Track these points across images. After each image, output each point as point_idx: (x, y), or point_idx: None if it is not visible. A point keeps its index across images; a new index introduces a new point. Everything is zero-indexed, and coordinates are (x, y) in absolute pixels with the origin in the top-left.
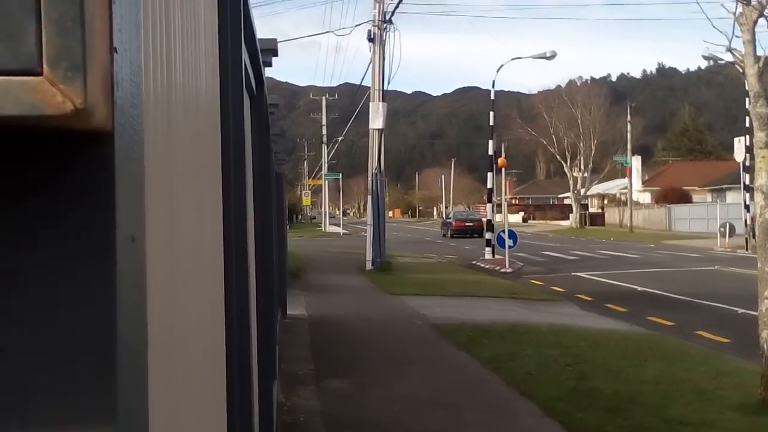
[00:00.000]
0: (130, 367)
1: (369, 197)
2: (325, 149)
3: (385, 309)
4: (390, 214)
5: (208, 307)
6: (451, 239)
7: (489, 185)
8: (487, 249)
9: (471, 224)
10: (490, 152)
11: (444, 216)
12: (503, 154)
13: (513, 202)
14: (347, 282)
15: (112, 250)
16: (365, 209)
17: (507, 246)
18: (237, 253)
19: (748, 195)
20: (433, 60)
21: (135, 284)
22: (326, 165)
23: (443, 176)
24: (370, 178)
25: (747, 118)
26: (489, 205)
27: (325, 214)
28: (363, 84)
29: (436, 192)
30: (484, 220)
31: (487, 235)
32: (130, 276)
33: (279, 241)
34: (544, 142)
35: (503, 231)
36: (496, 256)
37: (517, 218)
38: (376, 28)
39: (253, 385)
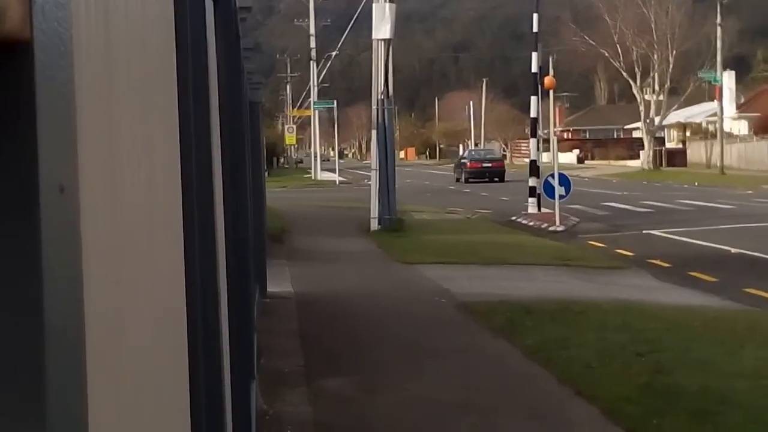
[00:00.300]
0: (62, 361)
1: (373, 133)
2: (314, 68)
3: (397, 282)
4: (401, 154)
5: (163, 282)
6: (467, 184)
7: (533, 114)
8: (531, 200)
9: (490, 165)
10: (534, 69)
11: (459, 156)
12: (551, 72)
13: (565, 136)
14: (346, 247)
15: (33, 206)
16: (368, 149)
17: (557, 196)
18: (200, 209)
19: None
20: None
21: (66, 252)
22: (316, 90)
23: (471, 103)
24: (374, 107)
25: None
26: (533, 141)
27: (315, 157)
28: None
29: (461, 124)
30: (527, 160)
31: (531, 182)
32: (59, 239)
33: (255, 193)
34: (606, 54)
35: (551, 175)
36: (543, 210)
37: (570, 158)
38: None
39: (225, 387)
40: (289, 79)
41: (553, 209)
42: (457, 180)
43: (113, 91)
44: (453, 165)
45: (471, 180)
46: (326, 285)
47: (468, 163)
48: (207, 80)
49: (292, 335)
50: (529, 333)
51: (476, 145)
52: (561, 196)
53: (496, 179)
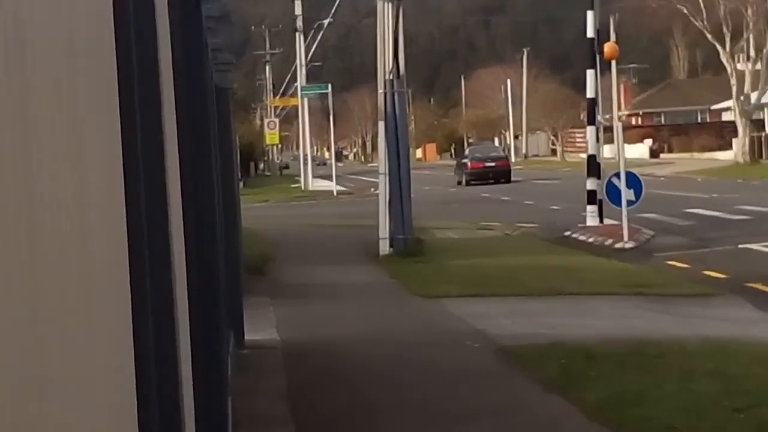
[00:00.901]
0: None
1: (380, 125)
2: (300, 42)
3: (415, 323)
4: (418, 153)
5: (101, 333)
6: (468, 186)
7: (589, 93)
8: (590, 209)
9: (493, 165)
10: (590, 34)
11: (460, 155)
12: (612, 37)
13: (633, 122)
14: (348, 278)
15: None
16: (375, 148)
17: (624, 202)
18: (150, 232)
19: None
20: None
21: None
22: (304, 70)
23: (509, 81)
24: (380, 91)
25: None
26: (590, 130)
27: (305, 160)
28: None
29: (496, 110)
30: (584, 155)
31: (589, 184)
32: None
33: (226, 210)
34: (685, 11)
35: (616, 175)
36: (606, 222)
37: (640, 151)
38: None
39: None
40: (268, 58)
41: (620, 220)
42: (459, 183)
43: (23, 72)
44: (454, 165)
45: (473, 182)
46: (323, 329)
47: (469, 164)
48: (156, 61)
49: (278, 398)
50: (592, 386)
51: (516, 137)
52: (630, 203)
53: (502, 180)
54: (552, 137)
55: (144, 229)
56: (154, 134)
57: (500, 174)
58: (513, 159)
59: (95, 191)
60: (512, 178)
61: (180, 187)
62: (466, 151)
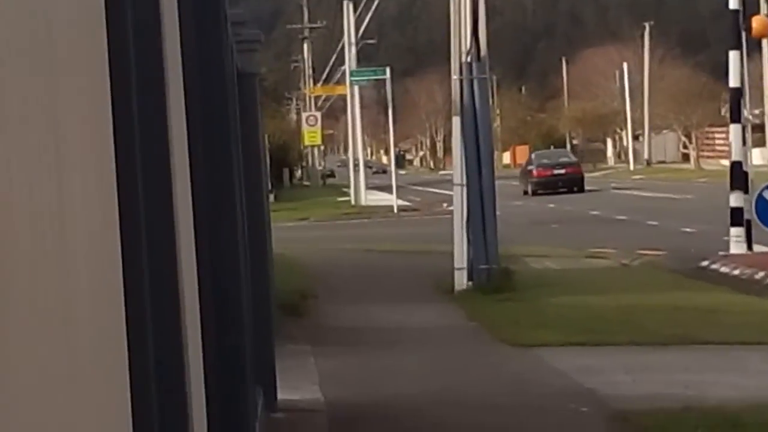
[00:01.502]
0: None
1: (454, 121)
2: (350, 12)
3: (504, 380)
4: (505, 158)
5: (88, 400)
6: (534, 197)
7: (733, 82)
8: (735, 232)
9: (563, 172)
10: (733, 4)
11: (526, 161)
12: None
13: None
14: (413, 320)
15: None
16: (447, 152)
17: None
18: (153, 260)
19: None
20: None
21: None
22: (354, 50)
23: (625, 66)
24: (454, 77)
25: None
26: (735, 129)
27: (356, 166)
28: None
29: (609, 102)
30: (727, 162)
31: (734, 200)
32: None
33: (252, 231)
34: None
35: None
36: (757, 248)
37: None
38: None
39: None
40: (307, 34)
41: None
42: (525, 193)
43: None
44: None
45: (540, 192)
46: (380, 388)
47: (535, 171)
48: (159, 38)
49: None
50: None
51: (636, 138)
52: None
53: (575, 189)
54: (683, 138)
55: (143, 260)
56: (157, 135)
57: (571, 182)
58: (632, 166)
59: (79, 194)
60: (628, 191)
61: (191, 202)
62: (532, 156)
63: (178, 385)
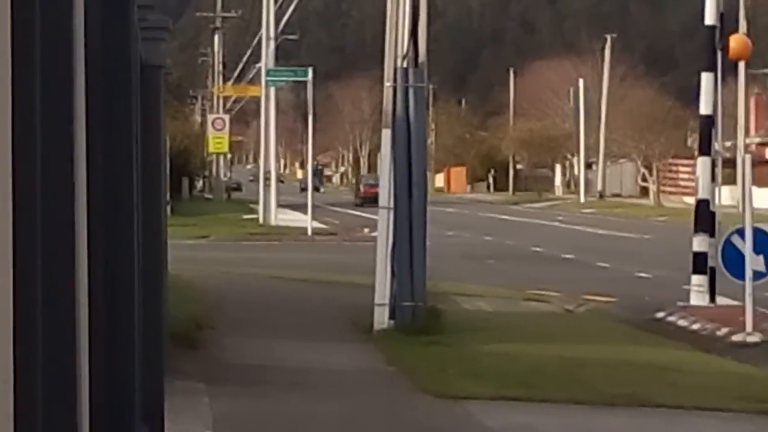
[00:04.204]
0: None
1: (384, 134)
2: (270, 3)
3: None
4: (438, 181)
5: None
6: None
7: (704, 108)
8: (697, 280)
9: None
10: (710, 20)
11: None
12: (743, 27)
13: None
14: (326, 360)
15: None
16: (373, 168)
17: (749, 273)
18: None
19: None
20: None
21: None
22: (272, 47)
23: (581, 81)
24: (387, 84)
25: None
26: (702, 162)
27: (267, 179)
28: None
29: (560, 123)
30: (691, 200)
31: (697, 244)
32: None
33: (147, 247)
34: None
35: (739, 232)
36: (720, 300)
37: None
38: None
39: None
40: (219, 24)
41: (741, 300)
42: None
43: None
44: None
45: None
46: None
47: (363, 189)
48: (69, 23)
49: None
50: None
51: (589, 166)
52: (758, 274)
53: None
54: (643, 169)
55: (37, 258)
56: (54, 133)
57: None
58: (583, 197)
59: None
60: (577, 227)
61: (85, 208)
62: (363, 177)
63: (66, 414)
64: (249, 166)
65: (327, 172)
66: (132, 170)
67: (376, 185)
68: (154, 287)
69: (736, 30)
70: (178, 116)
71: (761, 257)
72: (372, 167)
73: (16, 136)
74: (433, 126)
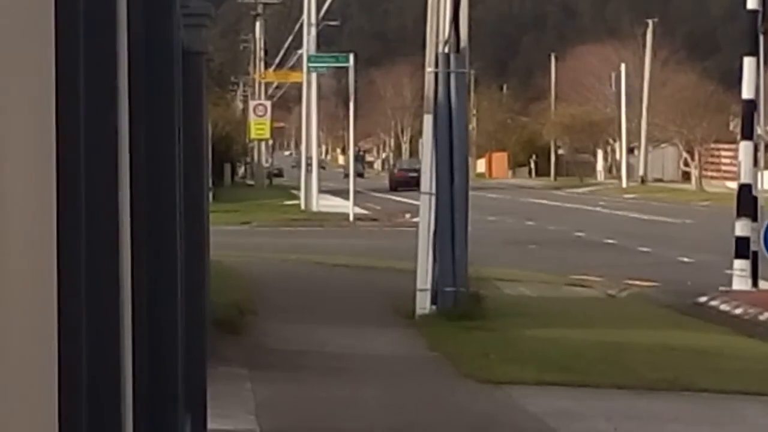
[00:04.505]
0: None
1: (426, 120)
2: None
3: (468, 422)
4: (480, 166)
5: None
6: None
7: (746, 93)
8: (740, 265)
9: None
10: (752, 4)
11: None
12: None
13: None
14: (367, 346)
15: None
16: (415, 154)
17: None
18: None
19: None
20: None
21: None
22: (314, 32)
23: (623, 66)
24: (428, 70)
25: None
26: (744, 147)
27: (308, 165)
28: None
29: (602, 108)
30: (733, 185)
31: (739, 228)
32: None
33: (189, 234)
34: None
35: None
36: (763, 285)
37: None
38: None
39: None
40: (260, 10)
41: None
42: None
43: None
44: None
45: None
46: (324, 421)
47: (397, 172)
48: (113, 10)
49: None
50: None
51: (631, 151)
52: None
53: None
54: (685, 154)
55: (81, 256)
56: (98, 120)
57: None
58: (625, 183)
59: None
60: (618, 212)
61: (128, 194)
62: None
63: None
64: (287, 153)
65: (368, 158)
66: (174, 156)
67: (410, 170)
68: (196, 274)
69: None
70: (220, 102)
71: None
72: (413, 153)
73: (60, 124)
74: (474, 111)
